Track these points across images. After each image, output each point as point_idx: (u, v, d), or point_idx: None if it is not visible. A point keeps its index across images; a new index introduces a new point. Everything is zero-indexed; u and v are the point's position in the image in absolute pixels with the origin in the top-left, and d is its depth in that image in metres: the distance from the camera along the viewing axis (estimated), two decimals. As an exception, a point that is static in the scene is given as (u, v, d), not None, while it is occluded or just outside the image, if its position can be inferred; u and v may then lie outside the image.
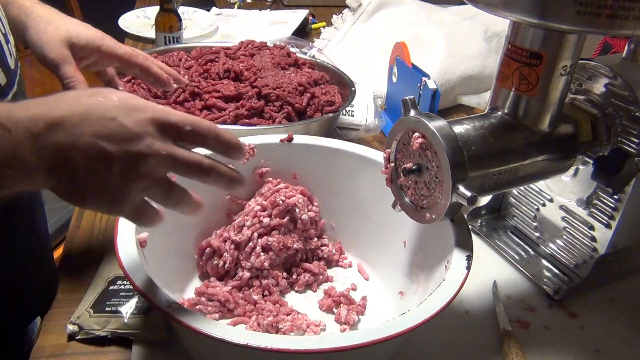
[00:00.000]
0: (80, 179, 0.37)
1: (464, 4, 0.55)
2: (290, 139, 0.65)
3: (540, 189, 0.67)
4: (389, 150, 0.55)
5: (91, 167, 0.37)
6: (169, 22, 1.09)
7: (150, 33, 1.21)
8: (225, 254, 0.60)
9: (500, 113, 0.54)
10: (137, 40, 1.26)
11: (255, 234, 0.60)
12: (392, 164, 0.55)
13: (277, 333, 0.54)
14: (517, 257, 0.68)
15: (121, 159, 0.37)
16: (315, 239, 0.66)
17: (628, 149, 0.55)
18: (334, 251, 0.66)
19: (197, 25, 1.33)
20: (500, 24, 1.13)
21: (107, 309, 0.54)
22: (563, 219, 0.65)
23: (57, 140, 0.36)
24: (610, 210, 0.58)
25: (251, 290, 0.60)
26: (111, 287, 0.57)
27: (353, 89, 0.87)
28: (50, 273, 0.71)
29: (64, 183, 0.37)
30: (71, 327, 0.53)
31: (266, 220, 0.61)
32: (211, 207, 0.63)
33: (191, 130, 0.40)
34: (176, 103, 0.79)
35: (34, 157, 0.35)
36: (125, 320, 0.53)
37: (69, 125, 0.36)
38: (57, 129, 0.36)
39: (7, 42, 0.56)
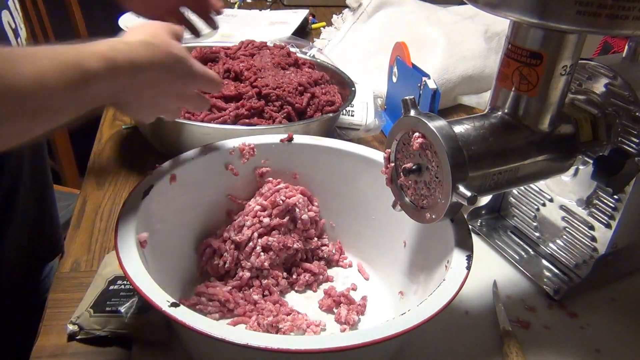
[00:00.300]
0: (144, 108, 0.54)
1: (464, 3, 0.55)
2: (290, 139, 0.65)
3: (540, 189, 0.67)
4: (389, 150, 0.55)
5: (155, 104, 0.54)
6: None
7: (150, 33, 1.21)
8: (225, 254, 0.60)
9: (500, 113, 0.54)
10: (137, 40, 1.26)
11: (256, 234, 0.60)
12: (392, 164, 0.55)
13: (277, 333, 0.54)
14: (517, 257, 0.68)
15: (175, 101, 0.56)
16: (316, 238, 0.66)
17: (628, 148, 0.55)
18: (334, 251, 0.66)
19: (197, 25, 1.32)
20: (500, 24, 1.13)
21: (107, 308, 0.54)
22: (563, 218, 0.65)
23: (144, 88, 0.51)
24: (610, 210, 0.58)
25: (251, 290, 0.60)
26: (111, 287, 0.57)
27: (353, 88, 0.87)
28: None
29: (129, 106, 0.52)
30: (71, 327, 0.53)
31: (266, 220, 0.61)
32: (211, 207, 0.63)
33: (207, 81, 0.58)
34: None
35: (127, 94, 0.49)
36: (126, 320, 0.53)
37: (154, 81, 0.51)
38: (147, 83, 0.50)
39: (17, 36, 0.57)
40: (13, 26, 0.57)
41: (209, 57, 0.88)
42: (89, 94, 0.44)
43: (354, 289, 0.63)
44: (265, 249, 0.61)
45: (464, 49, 1.10)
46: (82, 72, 0.42)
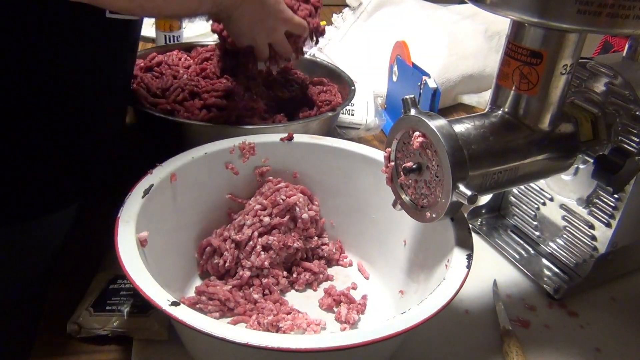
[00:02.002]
0: (240, 31, 0.71)
1: (464, 2, 0.55)
2: (290, 138, 0.65)
3: (540, 188, 0.67)
4: (389, 149, 0.55)
5: (249, 31, 0.71)
6: (169, 21, 1.09)
7: (151, 32, 1.21)
8: (225, 253, 0.60)
9: (500, 112, 0.54)
10: (137, 39, 1.26)
11: (256, 233, 0.60)
12: (393, 163, 0.55)
13: (277, 332, 0.54)
14: (517, 256, 0.68)
15: (265, 36, 0.72)
16: (316, 238, 0.66)
17: (628, 147, 0.55)
18: (334, 250, 0.66)
19: (197, 25, 1.32)
20: (500, 23, 1.13)
21: (107, 307, 0.54)
22: (563, 218, 0.65)
23: (245, 14, 0.68)
24: (610, 209, 0.58)
25: (251, 289, 0.60)
26: (112, 286, 0.57)
27: (353, 87, 0.87)
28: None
29: (231, 24, 0.70)
30: (72, 326, 0.53)
31: (266, 219, 0.61)
32: (211, 206, 0.63)
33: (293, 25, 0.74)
34: (175, 102, 0.79)
35: (232, 13, 0.67)
36: (126, 319, 0.53)
37: (251, 11, 0.68)
38: (247, 10, 0.68)
39: None
40: None
41: (205, 56, 0.88)
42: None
43: (354, 288, 0.63)
44: (266, 248, 0.61)
45: (464, 48, 1.10)
46: None
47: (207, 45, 0.92)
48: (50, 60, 0.56)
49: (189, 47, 0.94)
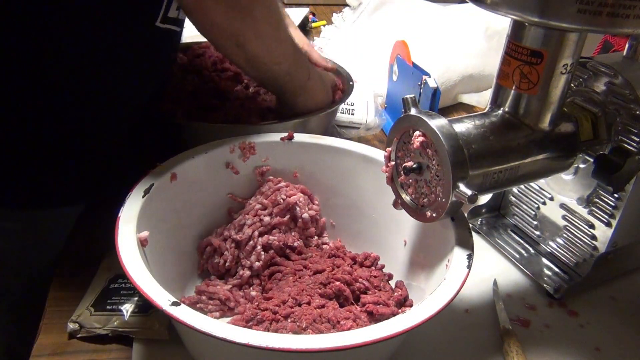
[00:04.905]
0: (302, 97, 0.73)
1: (464, 2, 0.55)
2: (290, 138, 0.65)
3: (540, 188, 0.67)
4: (390, 148, 0.55)
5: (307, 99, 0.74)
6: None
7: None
8: (225, 252, 0.60)
9: (500, 111, 0.54)
10: (137, 38, 1.25)
11: (256, 233, 0.60)
12: (393, 163, 0.55)
13: (277, 332, 0.54)
14: (517, 256, 0.68)
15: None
16: (316, 237, 0.66)
17: (628, 147, 0.55)
18: (334, 250, 0.66)
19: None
20: (500, 22, 1.13)
21: (108, 307, 0.54)
22: (563, 217, 0.65)
23: (312, 89, 0.75)
24: (610, 208, 0.58)
25: (251, 288, 0.60)
26: (112, 286, 0.57)
27: (351, 83, 0.87)
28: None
29: (297, 92, 0.72)
30: (72, 326, 0.53)
31: (267, 218, 0.61)
32: (212, 205, 0.63)
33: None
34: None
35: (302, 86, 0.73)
36: (126, 319, 0.53)
37: (315, 89, 0.75)
38: (312, 88, 0.74)
39: None
40: None
41: (197, 52, 0.88)
42: (298, 64, 0.69)
43: (355, 288, 0.62)
44: (266, 247, 0.61)
45: (465, 47, 1.10)
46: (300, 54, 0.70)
47: (200, 43, 0.91)
48: (85, 58, 0.56)
49: (186, 47, 0.93)
